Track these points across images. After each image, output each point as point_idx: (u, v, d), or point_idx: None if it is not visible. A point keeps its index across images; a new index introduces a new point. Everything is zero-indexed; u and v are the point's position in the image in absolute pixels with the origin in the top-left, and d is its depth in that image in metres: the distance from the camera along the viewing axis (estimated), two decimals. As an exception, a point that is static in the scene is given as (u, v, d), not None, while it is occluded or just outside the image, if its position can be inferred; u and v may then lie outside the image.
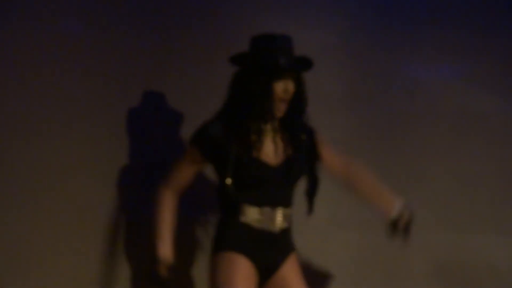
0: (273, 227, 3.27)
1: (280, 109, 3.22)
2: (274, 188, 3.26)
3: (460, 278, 4.23)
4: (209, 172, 3.47)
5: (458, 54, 4.33)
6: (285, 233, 3.31)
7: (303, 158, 3.33)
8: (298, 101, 3.27)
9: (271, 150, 3.29)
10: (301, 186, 3.41)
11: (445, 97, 4.29)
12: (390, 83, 4.23)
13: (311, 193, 3.37)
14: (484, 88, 4.31)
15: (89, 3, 3.77)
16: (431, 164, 4.24)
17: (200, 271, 3.75)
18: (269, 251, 3.28)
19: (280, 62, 3.19)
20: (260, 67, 3.19)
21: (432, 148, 4.25)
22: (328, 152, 3.42)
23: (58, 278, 3.68)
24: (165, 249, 3.24)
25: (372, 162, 4.00)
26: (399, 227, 3.40)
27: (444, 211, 4.23)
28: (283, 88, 3.20)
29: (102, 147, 3.74)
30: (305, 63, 3.26)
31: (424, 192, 4.21)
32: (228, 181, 3.21)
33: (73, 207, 3.70)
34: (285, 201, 3.30)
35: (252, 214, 3.25)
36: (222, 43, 3.93)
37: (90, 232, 3.72)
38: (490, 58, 4.35)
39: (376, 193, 3.46)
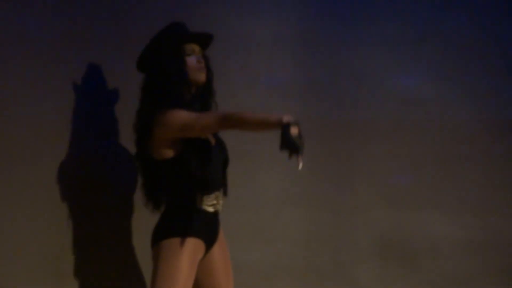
0: (217, 208, 3.33)
1: (200, 73, 3.30)
2: (216, 169, 3.30)
3: (402, 253, 4.29)
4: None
5: (399, 44, 4.38)
6: (218, 213, 3.37)
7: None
8: (208, 77, 3.35)
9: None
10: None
11: (386, 84, 4.34)
12: (339, 72, 4.27)
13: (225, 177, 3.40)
14: (423, 73, 4.38)
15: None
16: (375, 147, 4.28)
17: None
18: (212, 231, 3.34)
19: (185, 32, 3.33)
20: (168, 45, 3.27)
21: (376, 132, 4.28)
22: None
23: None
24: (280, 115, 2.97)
25: (323, 146, 4.15)
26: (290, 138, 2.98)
27: (387, 189, 4.28)
28: (195, 59, 3.30)
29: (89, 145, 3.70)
30: (206, 34, 3.36)
31: (369, 172, 4.26)
32: (194, 164, 3.20)
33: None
34: (221, 183, 3.34)
35: (205, 199, 3.26)
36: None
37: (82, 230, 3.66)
38: (430, 45, 4.41)
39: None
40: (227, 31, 4.03)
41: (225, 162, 3.38)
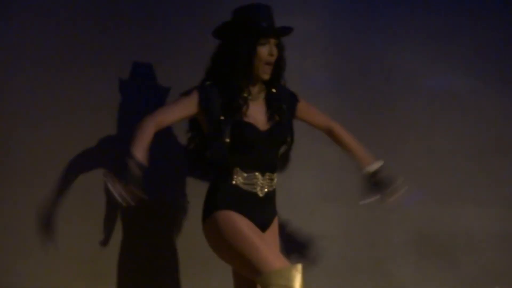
0: (261, 190, 3.32)
1: (266, 71, 3.31)
2: (262, 152, 3.31)
3: (438, 247, 4.31)
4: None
5: (432, 38, 4.37)
6: (271, 196, 3.37)
7: (288, 123, 3.40)
8: (279, 67, 3.35)
9: (259, 115, 3.34)
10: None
11: (420, 79, 4.34)
12: (369, 67, 4.30)
13: (287, 154, 3.43)
14: (456, 69, 4.38)
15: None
16: (410, 145, 4.30)
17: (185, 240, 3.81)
18: (258, 213, 3.32)
19: (263, 25, 3.28)
20: (245, 31, 3.26)
21: (411, 129, 4.31)
22: (311, 111, 3.51)
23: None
24: (140, 151, 3.13)
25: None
26: (375, 184, 3.44)
27: (423, 184, 4.29)
28: (268, 51, 3.28)
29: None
30: (285, 28, 3.33)
31: (405, 167, 4.22)
32: (226, 142, 3.23)
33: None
34: (272, 166, 3.35)
35: (242, 178, 3.28)
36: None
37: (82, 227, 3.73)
38: (462, 41, 4.41)
39: (356, 147, 3.54)
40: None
41: (279, 143, 3.37)
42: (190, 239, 3.83)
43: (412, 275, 4.26)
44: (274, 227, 3.41)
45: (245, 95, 3.31)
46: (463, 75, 4.38)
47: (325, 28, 4.24)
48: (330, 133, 3.57)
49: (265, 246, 3.17)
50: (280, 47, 3.33)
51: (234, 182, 3.29)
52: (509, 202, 4.44)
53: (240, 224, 3.22)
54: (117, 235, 3.77)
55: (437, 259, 4.30)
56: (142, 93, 3.88)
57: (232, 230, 3.21)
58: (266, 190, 3.33)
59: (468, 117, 4.40)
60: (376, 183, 3.47)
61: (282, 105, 3.37)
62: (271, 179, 3.35)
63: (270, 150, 3.34)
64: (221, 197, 3.28)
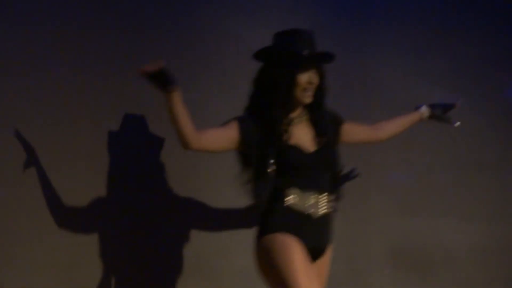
0: (315, 211, 3.29)
1: (307, 95, 3.30)
2: (312, 174, 3.29)
3: (415, 260, 4.32)
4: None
5: (411, 52, 4.42)
6: (327, 219, 3.34)
7: (335, 143, 3.41)
8: (320, 92, 3.34)
9: (304, 137, 3.34)
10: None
11: (399, 92, 4.36)
12: (349, 80, 4.31)
13: (338, 179, 3.41)
14: (435, 83, 4.40)
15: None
16: (389, 155, 4.31)
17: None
18: (315, 235, 3.29)
19: (304, 53, 3.27)
20: (285, 59, 3.26)
21: (389, 139, 4.18)
22: (353, 126, 3.53)
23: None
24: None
25: None
26: (439, 114, 3.74)
27: (401, 197, 4.32)
28: (307, 79, 3.28)
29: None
30: (327, 56, 3.34)
31: (383, 180, 4.30)
32: (272, 166, 3.23)
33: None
34: (324, 187, 3.32)
35: (294, 198, 3.25)
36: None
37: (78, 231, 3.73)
38: (441, 56, 4.46)
39: (402, 120, 3.72)
40: (232, 37, 4.10)
41: (328, 165, 3.35)
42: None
43: (388, 288, 4.30)
44: (326, 258, 3.38)
45: (287, 120, 3.31)
46: (442, 89, 4.40)
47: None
48: (377, 137, 3.67)
49: (303, 273, 3.13)
50: (321, 73, 3.34)
51: (286, 204, 3.26)
52: (486, 217, 4.47)
53: (292, 251, 3.18)
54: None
55: (413, 273, 4.32)
56: (142, 94, 3.86)
57: (276, 257, 3.18)
58: (319, 212, 3.30)
59: (447, 131, 4.32)
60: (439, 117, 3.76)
61: (327, 125, 3.39)
62: (324, 201, 3.32)
63: (320, 172, 3.33)
64: (271, 219, 3.26)
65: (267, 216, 3.27)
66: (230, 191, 3.67)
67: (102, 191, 3.77)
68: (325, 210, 3.32)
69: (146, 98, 3.78)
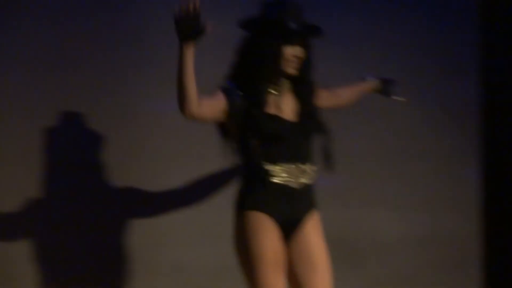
0: (295, 182, 3.24)
1: (293, 67, 3.25)
2: (294, 144, 3.24)
3: (348, 251, 4.33)
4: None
5: (342, 45, 4.38)
6: (307, 189, 3.28)
7: (317, 113, 3.35)
8: (305, 66, 3.28)
9: (287, 108, 3.28)
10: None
11: (330, 84, 4.11)
12: None
13: (327, 149, 3.36)
14: (367, 73, 4.16)
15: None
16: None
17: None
18: (292, 206, 3.23)
19: (291, 26, 3.21)
20: (272, 31, 3.19)
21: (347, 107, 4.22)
22: (324, 93, 3.49)
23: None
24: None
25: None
26: (385, 88, 3.74)
27: (333, 188, 4.29)
28: (292, 52, 3.23)
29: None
30: (314, 30, 3.28)
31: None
32: (253, 141, 3.17)
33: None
34: (305, 157, 3.27)
35: (275, 171, 3.20)
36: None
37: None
38: (374, 47, 4.44)
39: (355, 88, 3.71)
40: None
41: (307, 133, 3.31)
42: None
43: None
44: (310, 226, 3.30)
45: (271, 90, 3.26)
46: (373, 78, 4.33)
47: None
48: (338, 103, 3.66)
49: (268, 269, 3.13)
50: (307, 47, 3.28)
51: (266, 177, 3.21)
52: (418, 205, 4.50)
53: (258, 237, 3.16)
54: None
55: (346, 261, 4.33)
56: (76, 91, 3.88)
57: (246, 242, 3.17)
58: (300, 182, 3.26)
59: (378, 121, 4.44)
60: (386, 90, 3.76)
61: (310, 96, 3.35)
62: (306, 171, 3.27)
63: (302, 141, 3.28)
64: (246, 195, 3.22)
65: (245, 190, 3.23)
66: (171, 184, 3.79)
67: (36, 190, 3.76)
68: (305, 181, 3.27)
69: (80, 94, 3.81)
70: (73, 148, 3.90)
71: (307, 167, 3.28)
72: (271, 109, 3.24)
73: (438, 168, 4.54)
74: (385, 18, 4.50)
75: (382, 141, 4.45)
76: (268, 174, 3.21)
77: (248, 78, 3.24)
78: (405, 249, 4.46)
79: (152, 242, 3.99)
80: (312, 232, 3.28)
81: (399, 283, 4.40)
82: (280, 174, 3.23)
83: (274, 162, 3.21)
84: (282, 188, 3.23)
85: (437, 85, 4.56)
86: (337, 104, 3.64)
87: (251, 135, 3.20)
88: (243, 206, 3.21)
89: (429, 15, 4.58)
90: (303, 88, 3.33)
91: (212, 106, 3.17)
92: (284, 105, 3.29)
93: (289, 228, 3.24)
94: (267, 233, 3.18)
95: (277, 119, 3.24)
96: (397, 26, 4.51)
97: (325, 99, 3.50)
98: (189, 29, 2.96)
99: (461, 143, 4.59)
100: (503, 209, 4.79)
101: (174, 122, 3.88)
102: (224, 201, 4.08)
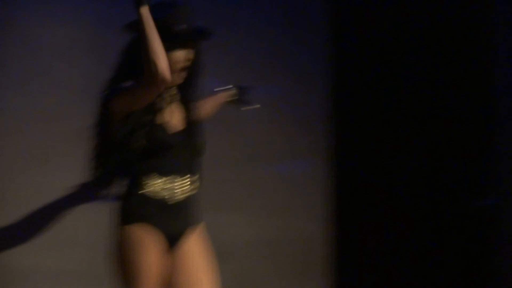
0: (177, 195, 3.20)
1: (181, 75, 3.16)
2: (173, 155, 3.18)
3: None
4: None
5: None
6: (190, 201, 3.25)
7: (198, 123, 3.30)
8: (192, 70, 3.22)
9: (172, 117, 3.20)
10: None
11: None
12: None
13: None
14: (215, 78, 4.21)
15: None
16: None
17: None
18: (173, 220, 3.19)
19: (180, 29, 3.12)
20: (162, 35, 3.00)
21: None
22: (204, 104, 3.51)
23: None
24: None
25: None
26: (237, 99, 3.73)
27: None
28: (184, 56, 3.14)
29: None
30: (204, 33, 3.21)
31: None
32: (135, 145, 3.09)
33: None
34: (186, 169, 3.22)
35: (155, 184, 3.15)
36: None
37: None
38: (221, 52, 4.44)
39: (210, 101, 3.69)
40: (26, 36, 4.13)
41: (194, 148, 3.26)
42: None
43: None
44: (194, 240, 3.28)
45: (157, 99, 3.14)
46: (223, 84, 4.34)
47: (85, 35, 4.26)
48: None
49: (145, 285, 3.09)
50: (197, 51, 3.21)
51: (146, 190, 3.16)
52: (267, 210, 4.57)
53: (138, 252, 3.12)
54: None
55: None
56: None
57: (126, 257, 3.12)
58: (179, 196, 3.21)
59: (227, 124, 4.46)
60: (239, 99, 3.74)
61: (194, 106, 3.27)
62: (185, 184, 3.23)
63: (183, 152, 3.22)
64: (129, 208, 3.16)
65: (125, 203, 3.17)
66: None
67: None
68: (186, 194, 3.23)
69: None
70: None
71: (187, 180, 3.24)
72: (156, 118, 3.16)
73: (288, 172, 4.62)
74: (234, 25, 4.54)
75: (230, 146, 4.50)
76: (149, 186, 3.16)
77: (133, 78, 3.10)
78: (254, 254, 4.52)
79: (25, 248, 4.00)
80: (195, 244, 3.27)
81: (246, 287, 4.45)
82: (162, 186, 3.18)
83: (157, 173, 3.16)
84: (163, 201, 3.19)
85: (286, 90, 4.64)
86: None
87: (135, 144, 3.12)
88: (124, 219, 3.15)
89: (278, 21, 4.65)
90: (190, 94, 3.28)
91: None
92: (168, 114, 3.21)
93: (172, 241, 3.21)
94: (149, 247, 3.14)
95: (158, 129, 3.16)
96: (244, 32, 4.55)
97: (203, 108, 3.50)
98: None
99: (310, 147, 4.68)
100: (354, 213, 4.92)
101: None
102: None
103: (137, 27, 3.01)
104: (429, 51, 4.93)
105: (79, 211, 4.15)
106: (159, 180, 3.17)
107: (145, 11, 2.94)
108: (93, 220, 4.08)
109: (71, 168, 4.05)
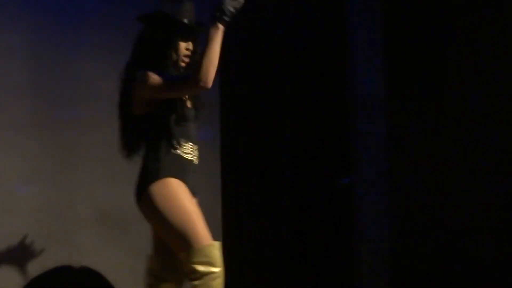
0: (195, 160, 3.57)
1: (184, 61, 3.53)
2: (191, 126, 3.57)
3: (116, 221, 4.72)
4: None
5: (109, 51, 4.69)
6: (197, 168, 3.59)
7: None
8: (193, 59, 3.54)
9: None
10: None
11: (100, 86, 4.67)
12: (64, 77, 4.70)
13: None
14: None
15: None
16: (93, 138, 4.71)
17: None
18: (192, 181, 3.54)
19: (186, 22, 3.48)
20: (169, 27, 3.43)
21: (93, 126, 4.76)
22: None
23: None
24: None
25: (50, 137, 4.65)
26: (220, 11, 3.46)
27: (107, 171, 4.68)
28: (185, 46, 3.53)
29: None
30: (202, 26, 3.53)
31: (91, 158, 4.68)
32: (173, 117, 3.43)
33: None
34: (196, 139, 3.59)
35: (184, 148, 3.50)
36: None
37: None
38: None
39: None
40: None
41: (197, 119, 3.63)
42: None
43: (95, 244, 4.68)
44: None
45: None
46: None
47: (26, 42, 4.63)
48: None
49: (201, 221, 3.37)
50: (196, 43, 3.55)
51: (175, 151, 3.47)
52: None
53: (183, 196, 3.39)
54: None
55: (114, 230, 4.72)
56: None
57: (174, 202, 3.37)
58: (197, 161, 3.57)
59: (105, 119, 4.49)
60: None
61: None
62: (196, 151, 3.58)
63: (194, 125, 3.59)
64: (164, 165, 3.43)
65: (157, 163, 3.44)
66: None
67: None
68: (197, 159, 3.59)
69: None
70: None
71: (197, 147, 3.62)
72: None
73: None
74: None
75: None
76: (182, 147, 3.51)
77: (154, 68, 3.43)
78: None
79: None
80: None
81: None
82: (189, 151, 3.56)
83: (182, 139, 3.51)
84: (190, 163, 3.55)
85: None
86: None
87: (169, 116, 3.46)
88: (159, 175, 3.42)
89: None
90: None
91: None
92: None
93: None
94: (188, 195, 3.47)
95: (186, 105, 3.56)
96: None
97: None
98: (234, 13, 3.28)
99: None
100: (236, 214, 5.23)
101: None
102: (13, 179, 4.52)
103: (151, 20, 3.43)
104: (292, 53, 5.31)
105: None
106: (184, 145, 3.55)
107: (222, 28, 3.30)
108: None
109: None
